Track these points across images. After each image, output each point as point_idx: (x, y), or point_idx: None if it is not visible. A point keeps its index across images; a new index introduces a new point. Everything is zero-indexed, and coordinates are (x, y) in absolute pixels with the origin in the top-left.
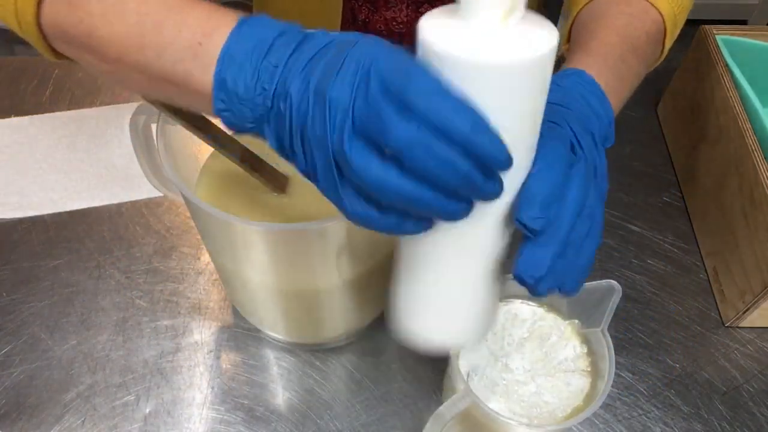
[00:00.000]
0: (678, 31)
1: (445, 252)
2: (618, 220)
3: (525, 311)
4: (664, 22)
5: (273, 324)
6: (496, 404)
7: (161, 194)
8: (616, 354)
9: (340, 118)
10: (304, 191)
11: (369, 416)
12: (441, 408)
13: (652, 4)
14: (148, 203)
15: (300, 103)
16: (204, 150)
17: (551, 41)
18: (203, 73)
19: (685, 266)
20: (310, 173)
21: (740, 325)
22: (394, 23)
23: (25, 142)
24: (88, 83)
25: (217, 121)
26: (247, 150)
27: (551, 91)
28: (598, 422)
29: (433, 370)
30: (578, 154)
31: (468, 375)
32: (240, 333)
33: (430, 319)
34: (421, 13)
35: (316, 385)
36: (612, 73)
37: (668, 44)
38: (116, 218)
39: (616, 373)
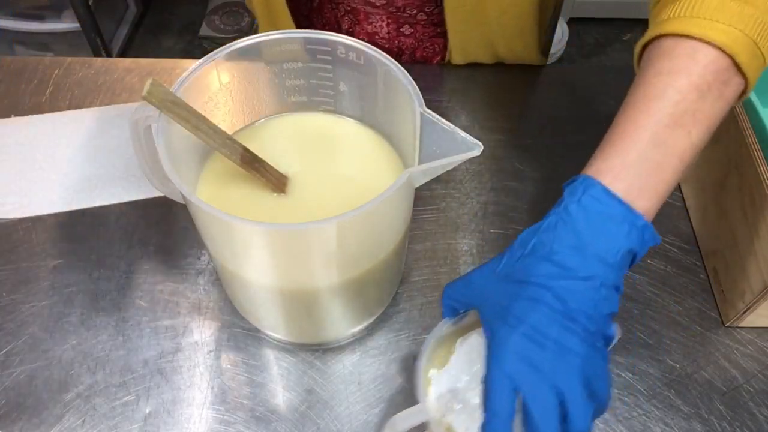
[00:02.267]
0: None
1: None
2: None
3: None
4: (727, 54)
5: (273, 324)
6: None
7: (161, 194)
8: (616, 354)
9: None
10: (304, 191)
11: (369, 416)
12: (395, 417)
13: (701, 40)
14: (148, 203)
15: None
16: (204, 150)
17: None
18: None
19: (685, 266)
20: None
21: (740, 325)
22: (376, 37)
23: (25, 142)
24: (88, 83)
25: (217, 121)
26: (247, 150)
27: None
28: (598, 422)
29: None
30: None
31: (441, 395)
32: (240, 333)
33: None
34: (403, 33)
35: (316, 385)
36: (636, 169)
37: (753, 74)
38: (116, 218)
39: (616, 373)
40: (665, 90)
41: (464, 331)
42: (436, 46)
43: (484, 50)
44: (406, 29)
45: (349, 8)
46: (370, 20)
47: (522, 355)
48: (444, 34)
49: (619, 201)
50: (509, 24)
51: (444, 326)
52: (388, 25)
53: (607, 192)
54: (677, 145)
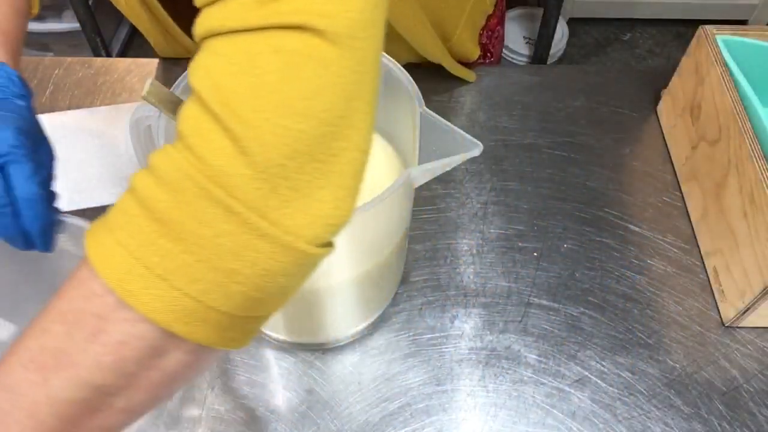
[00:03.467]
0: None
1: None
2: (618, 220)
3: None
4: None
5: (273, 324)
6: None
7: None
8: (615, 354)
9: None
10: None
11: (369, 416)
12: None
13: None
14: None
15: None
16: None
17: None
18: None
19: (685, 266)
20: None
21: (740, 325)
22: None
23: None
24: (88, 83)
25: None
26: None
27: None
28: (598, 422)
29: (434, 370)
30: None
31: None
32: None
33: None
34: None
35: (316, 385)
36: None
37: None
38: None
39: (616, 374)
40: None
41: None
42: None
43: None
44: None
45: None
46: None
47: None
48: None
49: None
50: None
51: None
52: None
53: None
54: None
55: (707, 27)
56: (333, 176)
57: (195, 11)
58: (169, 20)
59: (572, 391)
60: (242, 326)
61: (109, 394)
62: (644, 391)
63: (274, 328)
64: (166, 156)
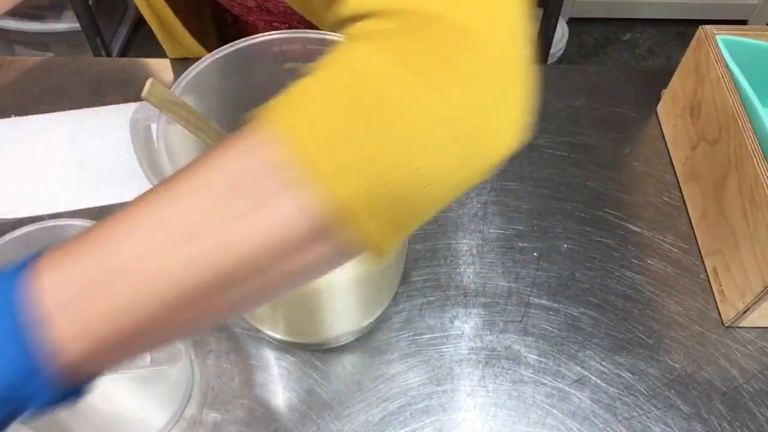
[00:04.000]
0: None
1: None
2: (618, 220)
3: None
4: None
5: (273, 324)
6: None
7: None
8: (615, 354)
9: None
10: None
11: (369, 416)
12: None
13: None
14: None
15: None
16: (204, 150)
17: None
18: None
19: (685, 266)
20: None
21: (740, 325)
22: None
23: (25, 142)
24: (88, 83)
25: (217, 121)
26: None
27: None
28: (598, 422)
29: (434, 370)
30: None
31: None
32: (240, 333)
33: None
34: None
35: (316, 385)
36: (81, 267)
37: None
38: None
39: (616, 374)
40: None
41: None
42: None
43: None
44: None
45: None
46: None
47: None
48: None
49: (23, 313)
50: None
51: None
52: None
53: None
54: (153, 259)
55: (707, 27)
56: (523, 91)
57: (197, 13)
58: (176, 20)
59: (572, 391)
60: (401, 234)
61: (242, 277)
62: (644, 391)
63: (274, 328)
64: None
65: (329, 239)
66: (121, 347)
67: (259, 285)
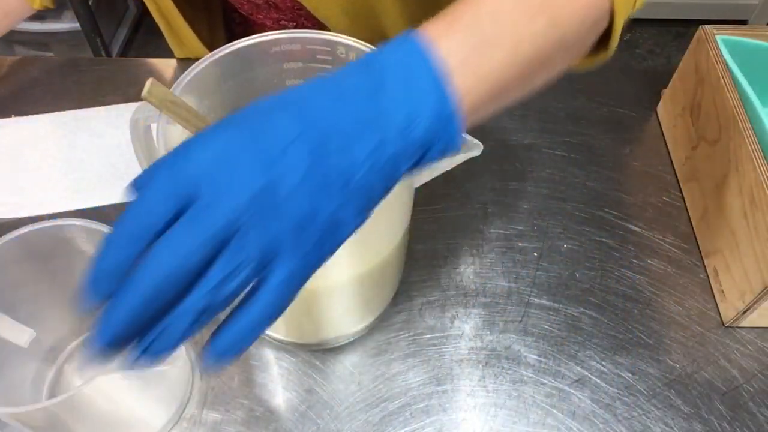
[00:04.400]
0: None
1: None
2: (618, 220)
3: None
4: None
5: (273, 324)
6: None
7: None
8: (615, 354)
9: None
10: None
11: (369, 416)
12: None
13: None
14: None
15: None
16: None
17: None
18: None
19: (685, 266)
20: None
21: (740, 325)
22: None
23: (25, 142)
24: (88, 83)
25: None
26: None
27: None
28: (598, 422)
29: (434, 370)
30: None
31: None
32: None
33: None
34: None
35: (316, 385)
36: (465, 35)
37: (618, 19)
38: (116, 218)
39: (616, 374)
40: None
41: None
42: None
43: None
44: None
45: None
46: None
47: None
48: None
49: (436, 68)
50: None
51: None
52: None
53: (426, 53)
54: (518, 27)
55: (707, 27)
56: None
57: (207, 13)
58: (183, 22)
59: (572, 391)
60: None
61: (568, 44)
62: (644, 391)
63: (274, 328)
64: None
65: (594, 31)
66: (491, 102)
67: (569, 54)
